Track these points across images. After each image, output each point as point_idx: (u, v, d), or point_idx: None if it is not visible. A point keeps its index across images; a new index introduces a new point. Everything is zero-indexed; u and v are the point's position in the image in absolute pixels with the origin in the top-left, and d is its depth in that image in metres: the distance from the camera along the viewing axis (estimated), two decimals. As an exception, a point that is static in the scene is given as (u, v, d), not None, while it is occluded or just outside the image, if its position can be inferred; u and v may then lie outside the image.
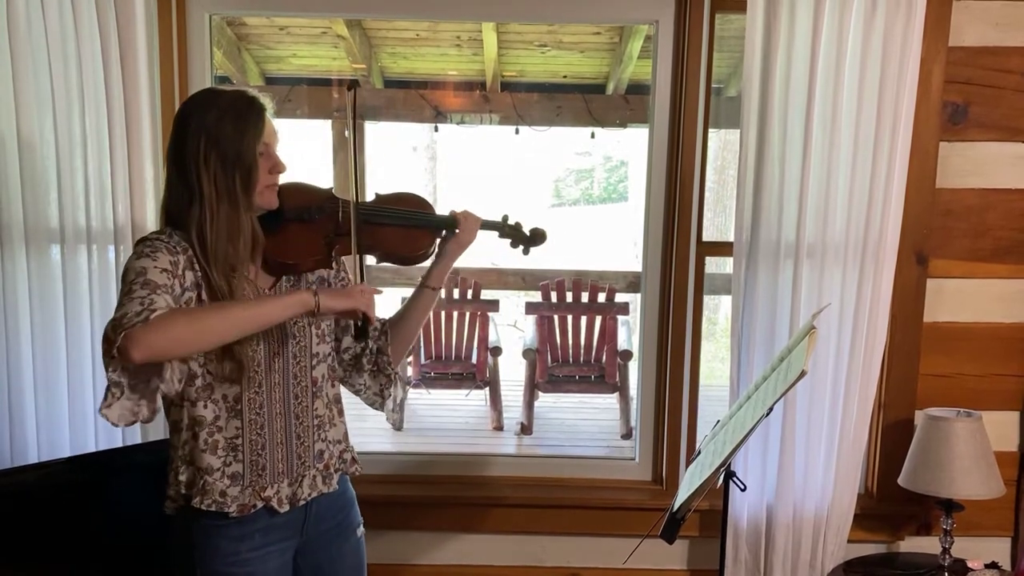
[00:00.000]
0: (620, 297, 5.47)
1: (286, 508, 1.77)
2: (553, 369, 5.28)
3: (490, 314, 5.46)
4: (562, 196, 14.17)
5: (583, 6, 2.57)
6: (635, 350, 4.75)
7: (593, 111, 6.17)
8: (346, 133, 1.69)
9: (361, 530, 1.96)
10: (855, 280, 2.47)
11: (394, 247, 1.84)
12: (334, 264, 1.87)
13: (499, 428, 5.28)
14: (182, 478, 1.73)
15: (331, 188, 1.84)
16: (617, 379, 5.22)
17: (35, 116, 2.35)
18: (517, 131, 6.46)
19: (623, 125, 6.43)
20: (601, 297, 5.33)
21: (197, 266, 1.65)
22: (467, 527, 2.71)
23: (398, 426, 2.03)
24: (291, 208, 1.76)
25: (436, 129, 7.20)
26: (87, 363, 2.46)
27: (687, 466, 2.33)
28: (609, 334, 5.28)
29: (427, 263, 1.90)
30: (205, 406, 1.70)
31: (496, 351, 5.27)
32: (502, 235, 1.98)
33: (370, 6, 2.62)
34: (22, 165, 2.37)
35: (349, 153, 1.76)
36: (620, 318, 5.40)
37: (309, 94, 6.15)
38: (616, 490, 2.74)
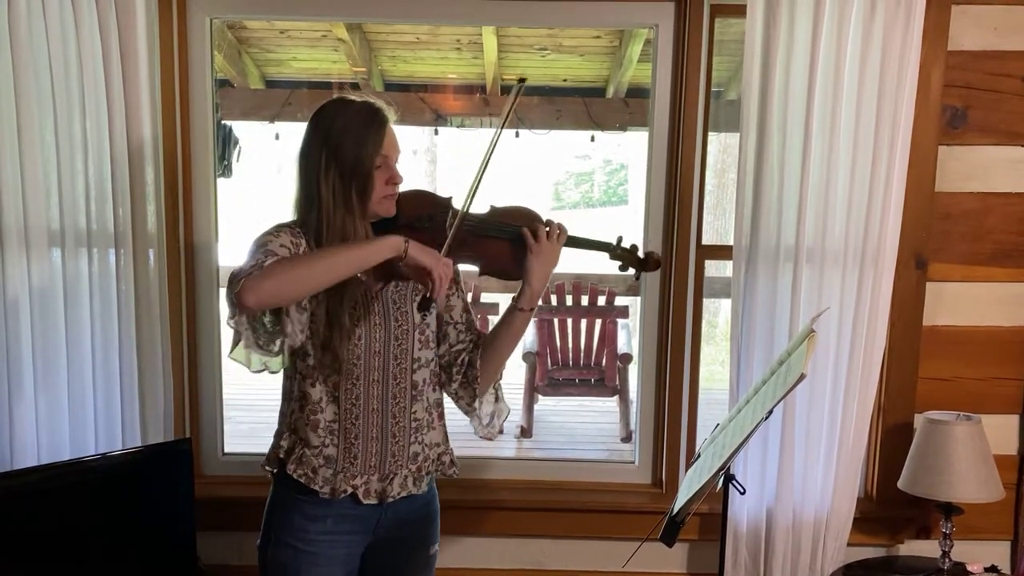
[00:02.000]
0: (620, 300, 5.47)
1: (372, 501, 1.82)
2: (553, 372, 5.28)
3: (490, 317, 5.46)
4: (562, 199, 14.18)
5: (583, 11, 2.58)
6: (635, 353, 4.75)
7: (593, 114, 6.18)
8: (495, 135, 1.69)
9: (436, 548, 1.98)
10: (854, 284, 2.47)
11: (495, 260, 1.84)
12: None
13: (499, 431, 5.28)
14: (283, 443, 1.82)
15: (450, 198, 1.86)
16: (617, 382, 5.22)
17: (36, 119, 2.36)
18: (517, 134, 6.46)
19: (623, 128, 6.44)
20: (601, 300, 5.33)
21: None
22: (466, 530, 2.71)
23: (490, 439, 2.03)
24: (406, 215, 1.81)
25: (436, 132, 7.21)
26: (87, 365, 2.46)
27: (687, 469, 2.33)
28: (609, 337, 5.28)
29: None
30: (313, 384, 1.78)
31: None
32: (613, 257, 1.91)
33: (370, 10, 2.63)
34: (23, 168, 2.37)
35: (482, 159, 1.78)
36: (620, 321, 5.41)
37: (309, 97, 6.16)
38: (616, 493, 2.73)
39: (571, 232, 1.87)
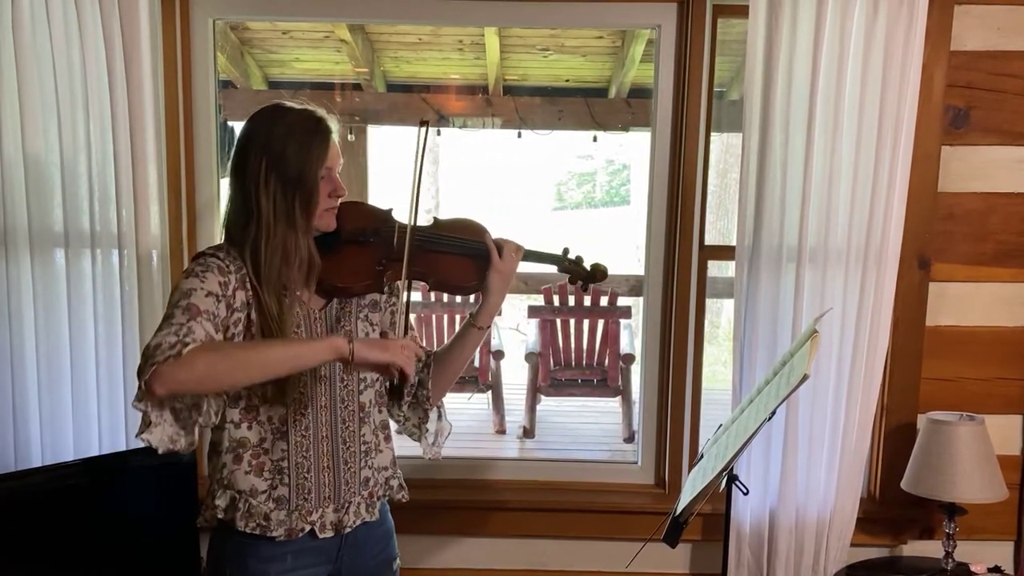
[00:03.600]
0: (622, 301, 5.47)
1: (329, 534, 1.73)
2: (555, 373, 5.28)
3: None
4: (564, 200, 14.18)
5: (586, 12, 2.58)
6: (637, 354, 4.75)
7: (595, 115, 6.17)
8: (415, 166, 1.65)
9: (398, 563, 1.92)
10: (857, 284, 2.47)
11: (447, 275, 1.79)
12: (386, 289, 1.82)
13: (501, 432, 5.29)
14: (219, 502, 1.70)
15: (390, 210, 1.80)
16: (619, 383, 5.22)
17: (40, 121, 2.36)
18: (519, 135, 6.47)
19: (625, 129, 6.43)
20: (603, 301, 5.33)
21: (249, 285, 1.63)
22: (469, 531, 2.71)
23: (436, 460, 1.98)
24: (348, 230, 1.73)
25: (438, 133, 7.20)
26: (90, 366, 2.47)
27: (689, 470, 2.33)
28: (611, 338, 5.28)
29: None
30: (250, 427, 1.68)
31: (499, 355, 5.27)
32: (561, 269, 1.90)
33: (373, 11, 2.63)
34: (27, 170, 2.38)
35: (412, 185, 1.70)
36: (622, 322, 5.40)
37: (312, 98, 6.12)
38: (618, 494, 2.73)
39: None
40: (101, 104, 2.38)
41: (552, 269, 1.92)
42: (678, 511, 1.96)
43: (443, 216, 1.84)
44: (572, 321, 5.32)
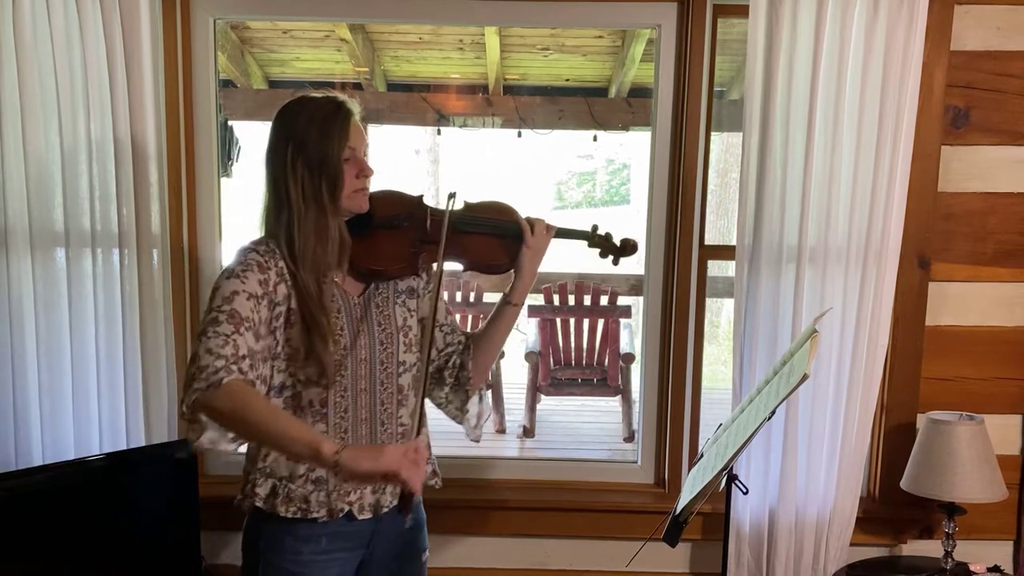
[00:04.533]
0: (622, 300, 5.47)
1: (368, 515, 1.77)
2: (555, 372, 5.28)
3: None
4: (564, 199, 14.19)
5: (586, 11, 2.58)
6: (637, 353, 4.75)
7: (595, 114, 6.18)
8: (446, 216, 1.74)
9: (427, 555, 1.95)
10: (857, 284, 2.47)
11: (480, 255, 1.83)
12: (422, 272, 1.86)
13: (501, 431, 5.29)
14: (259, 491, 1.73)
15: (421, 195, 1.85)
16: (619, 382, 5.22)
17: (40, 120, 2.37)
18: (519, 134, 6.47)
19: (625, 128, 6.44)
20: (603, 300, 5.34)
21: (288, 275, 1.67)
22: (469, 530, 2.72)
23: (478, 441, 2.02)
24: (381, 216, 1.78)
25: (439, 132, 7.22)
26: (91, 365, 2.47)
27: (689, 469, 2.33)
28: (611, 337, 5.29)
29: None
30: (293, 413, 1.70)
31: (499, 354, 5.26)
32: (591, 245, 1.93)
33: (373, 10, 2.63)
34: (27, 169, 2.38)
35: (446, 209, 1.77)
36: (622, 321, 5.40)
37: (313, 96, 6.16)
38: (618, 493, 2.73)
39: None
40: (102, 103, 2.38)
41: (582, 245, 1.95)
42: (678, 510, 1.97)
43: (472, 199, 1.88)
44: (572, 320, 5.32)
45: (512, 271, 1.84)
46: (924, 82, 2.43)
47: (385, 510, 1.79)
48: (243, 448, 1.73)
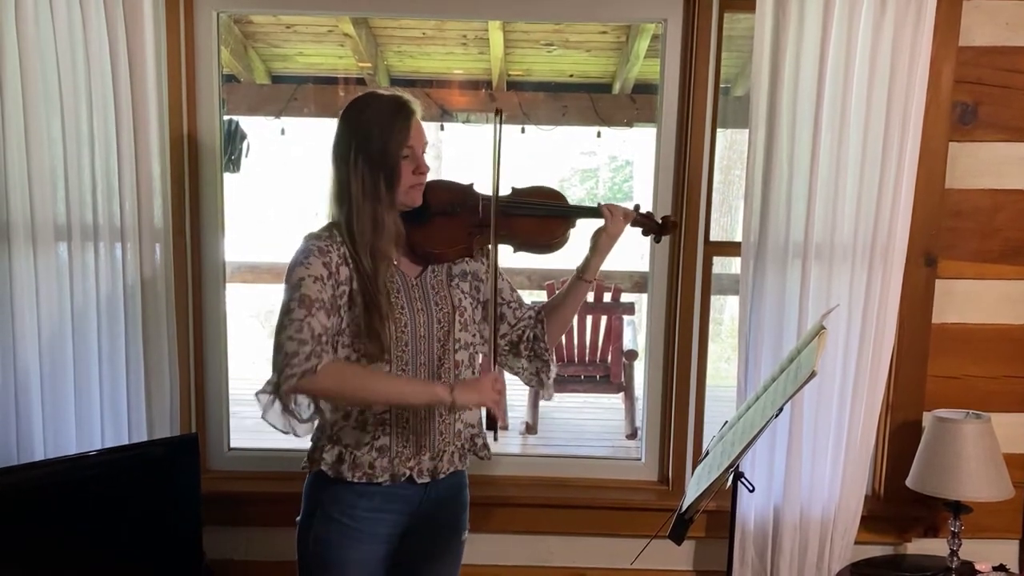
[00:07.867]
0: (626, 297, 5.45)
1: (427, 479, 1.89)
2: (558, 369, 5.26)
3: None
4: (568, 195, 14.16)
5: (591, 5, 2.57)
6: (640, 350, 4.74)
7: (599, 111, 6.16)
8: (494, 152, 1.87)
9: (466, 535, 2.07)
10: (863, 281, 2.46)
11: (529, 236, 1.96)
12: (477, 255, 1.99)
13: (504, 427, 5.28)
14: (327, 456, 1.86)
15: (471, 184, 1.98)
16: (622, 379, 5.21)
17: (43, 113, 2.36)
18: (523, 130, 6.45)
19: (629, 125, 6.42)
20: (607, 297, 5.32)
21: (349, 258, 1.80)
22: (472, 527, 2.69)
23: (550, 399, 2.18)
24: (437, 204, 1.92)
25: (442, 128, 7.18)
26: (93, 360, 2.46)
27: (694, 467, 2.32)
28: (615, 334, 5.27)
29: (559, 252, 2.01)
30: None
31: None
32: (633, 224, 2.04)
33: (376, 5, 2.62)
34: (29, 162, 2.37)
35: (493, 163, 1.89)
36: (626, 318, 5.39)
37: (315, 93, 6.15)
38: (622, 490, 2.73)
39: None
40: (104, 98, 2.37)
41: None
42: (684, 508, 1.96)
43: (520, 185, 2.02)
44: (575, 317, 5.30)
45: (558, 250, 1.99)
46: (932, 78, 2.42)
47: (442, 475, 1.91)
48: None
